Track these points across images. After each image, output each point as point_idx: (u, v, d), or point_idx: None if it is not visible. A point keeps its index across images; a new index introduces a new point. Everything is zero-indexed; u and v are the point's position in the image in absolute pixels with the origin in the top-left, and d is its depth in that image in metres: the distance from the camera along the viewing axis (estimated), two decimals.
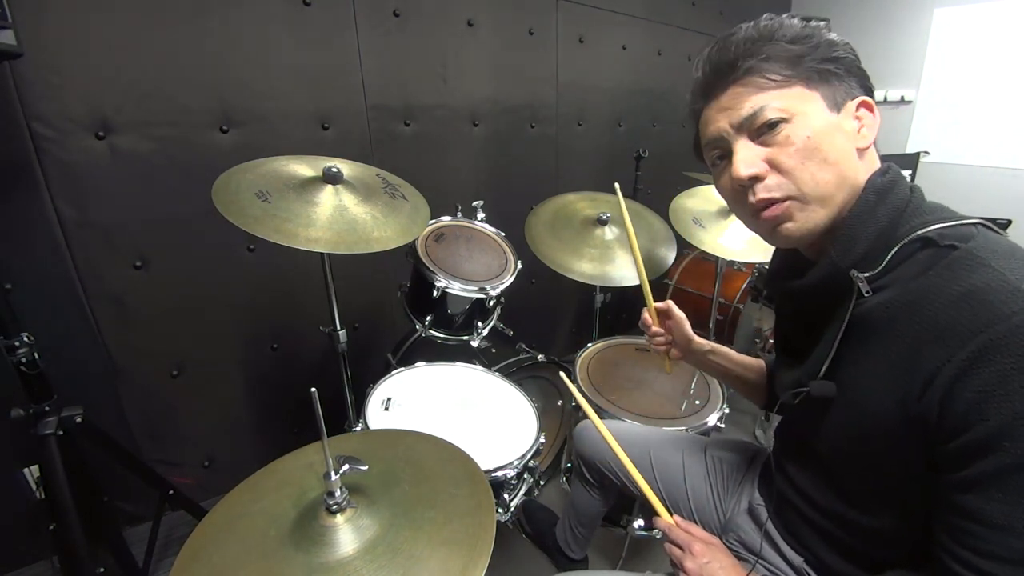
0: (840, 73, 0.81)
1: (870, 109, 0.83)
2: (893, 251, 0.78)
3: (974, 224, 0.77)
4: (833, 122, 0.80)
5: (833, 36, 0.81)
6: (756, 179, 0.82)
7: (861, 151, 0.82)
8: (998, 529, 0.66)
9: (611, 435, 1.15)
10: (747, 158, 0.82)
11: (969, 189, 3.52)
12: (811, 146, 0.79)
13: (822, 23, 0.83)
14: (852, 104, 0.82)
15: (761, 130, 0.81)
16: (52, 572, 1.80)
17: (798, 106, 0.79)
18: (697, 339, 1.33)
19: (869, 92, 0.84)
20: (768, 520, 1.10)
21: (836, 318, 0.85)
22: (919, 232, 0.77)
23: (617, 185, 1.49)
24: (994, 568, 0.67)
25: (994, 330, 0.65)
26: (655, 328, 1.37)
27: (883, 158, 0.86)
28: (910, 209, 0.80)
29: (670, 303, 1.35)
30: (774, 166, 0.81)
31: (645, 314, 1.38)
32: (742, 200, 0.86)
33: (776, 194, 0.82)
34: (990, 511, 0.67)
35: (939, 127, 3.65)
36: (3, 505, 1.74)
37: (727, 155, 0.86)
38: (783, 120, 0.79)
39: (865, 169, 0.82)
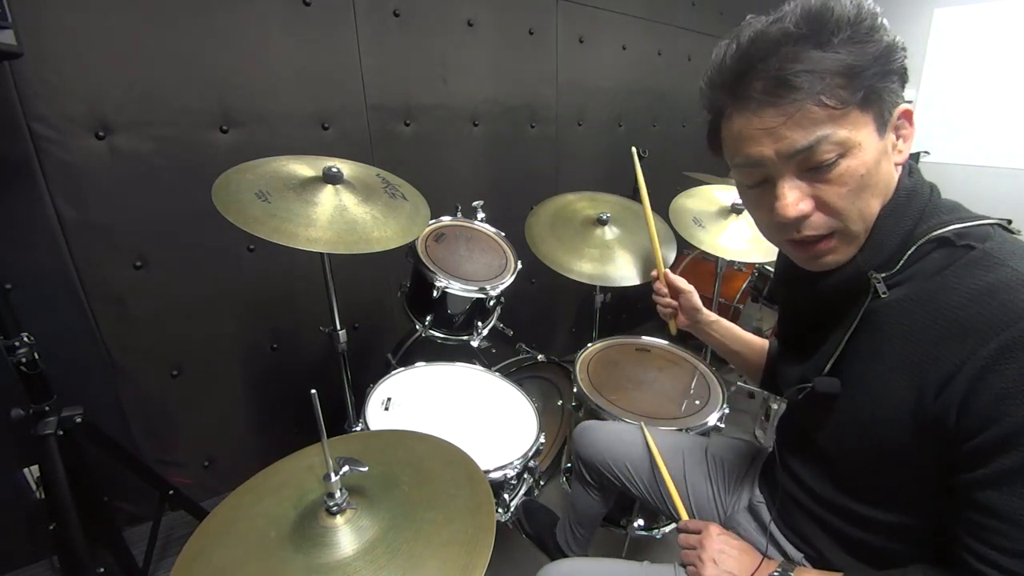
0: (894, 86, 0.74)
1: (909, 119, 0.79)
2: (910, 251, 0.77)
3: (991, 224, 0.76)
4: (882, 148, 0.76)
5: (887, 30, 0.73)
6: (802, 217, 0.78)
7: (897, 165, 0.80)
8: (1020, 526, 0.66)
9: (654, 444, 1.32)
10: (796, 198, 0.77)
11: (969, 189, 3.53)
12: (864, 183, 0.75)
13: (877, 9, 0.73)
14: (895, 115, 0.76)
15: (812, 163, 0.74)
16: (52, 572, 1.80)
17: (853, 137, 0.72)
18: (704, 311, 1.38)
19: (904, 86, 0.77)
20: (771, 521, 1.10)
21: (847, 315, 0.85)
22: (936, 232, 0.76)
23: (634, 149, 1.49)
24: (1017, 565, 0.67)
25: (1017, 328, 0.64)
26: (664, 288, 1.43)
27: None
28: (929, 208, 0.79)
29: (679, 278, 1.42)
30: (821, 204, 0.77)
31: (655, 273, 1.45)
32: (780, 228, 0.83)
33: (822, 231, 0.79)
34: (1012, 507, 0.66)
35: (939, 127, 3.65)
36: (3, 505, 1.74)
37: (766, 179, 0.81)
38: (839, 156, 0.73)
39: (896, 175, 0.81)
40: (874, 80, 0.71)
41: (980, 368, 0.66)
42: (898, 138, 0.79)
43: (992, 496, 0.68)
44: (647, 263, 2.05)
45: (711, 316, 1.39)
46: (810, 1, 0.72)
